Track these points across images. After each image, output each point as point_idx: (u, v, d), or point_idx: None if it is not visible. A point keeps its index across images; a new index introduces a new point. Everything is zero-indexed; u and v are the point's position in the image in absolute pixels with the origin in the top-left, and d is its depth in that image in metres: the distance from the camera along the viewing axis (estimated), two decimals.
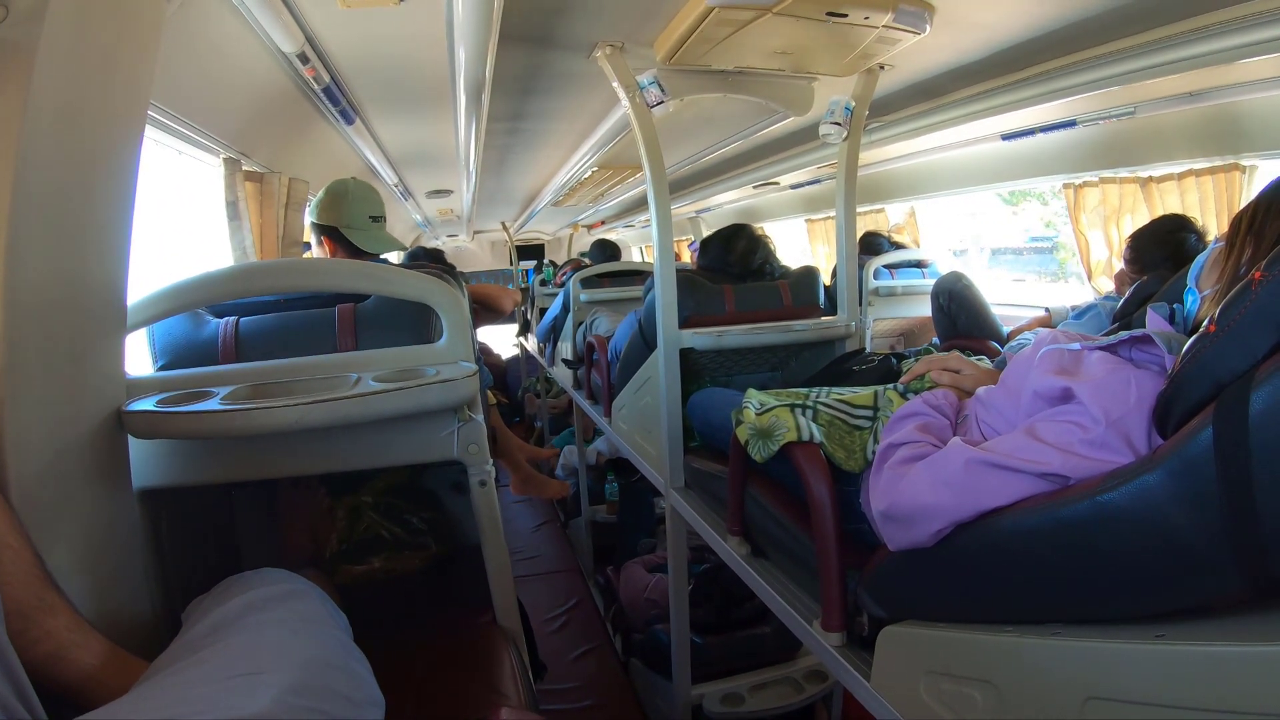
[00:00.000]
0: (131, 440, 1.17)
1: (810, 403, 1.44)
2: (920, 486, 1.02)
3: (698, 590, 3.01)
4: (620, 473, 4.77)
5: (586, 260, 5.37)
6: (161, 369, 1.43)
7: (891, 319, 3.95)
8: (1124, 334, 0.96)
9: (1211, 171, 2.68)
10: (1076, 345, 1.02)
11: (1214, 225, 2.63)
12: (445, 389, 1.23)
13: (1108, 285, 3.08)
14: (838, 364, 2.03)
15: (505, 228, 7.73)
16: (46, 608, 0.84)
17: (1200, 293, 1.14)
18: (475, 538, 1.43)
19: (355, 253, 2.20)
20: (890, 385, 1.42)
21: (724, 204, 6.45)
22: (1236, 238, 1.07)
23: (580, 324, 3.89)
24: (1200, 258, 1.17)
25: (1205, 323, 0.76)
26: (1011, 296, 3.95)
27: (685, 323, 2.24)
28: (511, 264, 7.78)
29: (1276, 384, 0.65)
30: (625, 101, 2.13)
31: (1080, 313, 2.55)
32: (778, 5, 1.70)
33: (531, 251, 9.36)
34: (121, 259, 1.14)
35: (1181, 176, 2.80)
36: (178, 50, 1.61)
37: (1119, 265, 2.71)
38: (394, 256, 2.43)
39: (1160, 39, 1.88)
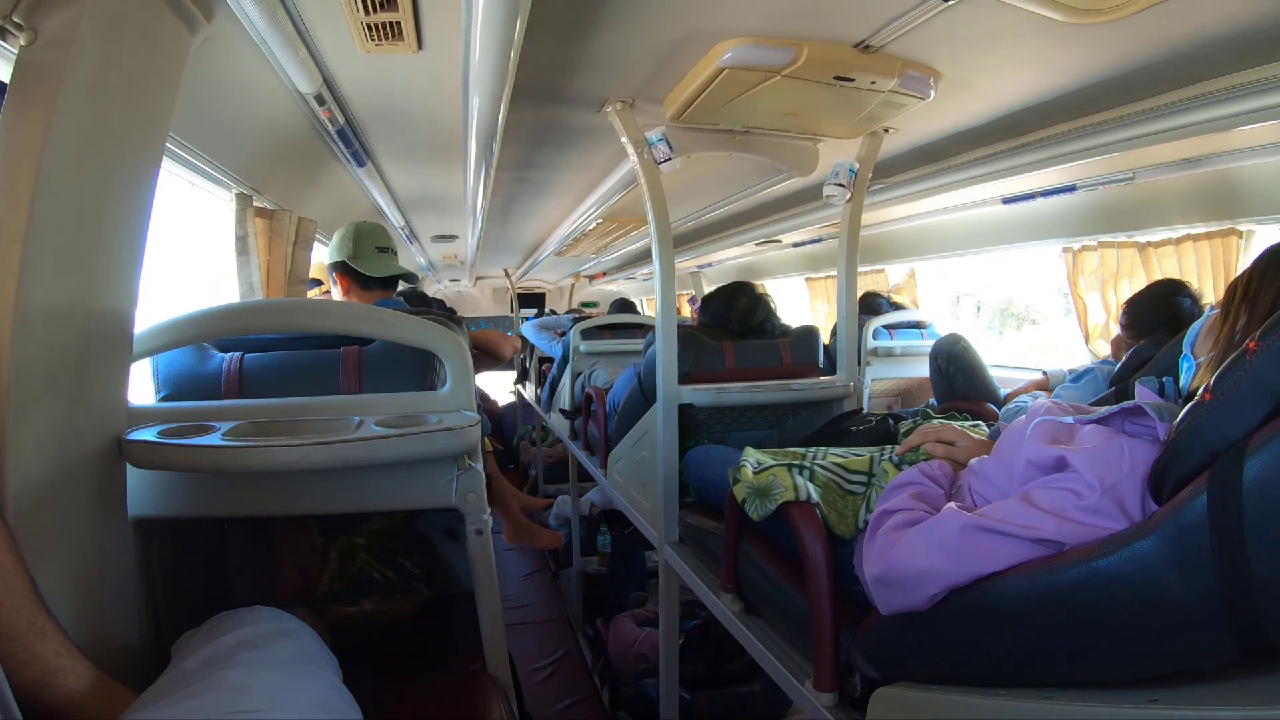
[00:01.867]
0: (129, 468, 1.18)
1: (808, 463, 1.45)
2: (916, 551, 1.02)
3: (688, 645, 2.99)
4: (613, 525, 4.76)
5: (586, 311, 5.39)
6: (163, 400, 1.44)
7: (889, 379, 3.96)
8: (1115, 406, 0.97)
9: (1209, 236, 2.72)
10: (1070, 418, 1.03)
11: (1211, 290, 2.66)
12: (448, 437, 1.23)
13: (1105, 349, 3.10)
14: (835, 424, 2.04)
15: (508, 274, 7.78)
16: (37, 631, 0.84)
17: (1196, 359, 1.16)
18: (467, 584, 1.42)
19: (365, 282, 2.23)
20: (886, 455, 1.43)
21: (725, 260, 6.51)
22: (1231, 305, 1.09)
23: (579, 375, 3.89)
24: (1196, 325, 1.19)
25: (1200, 390, 0.77)
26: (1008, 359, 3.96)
27: (685, 378, 2.25)
28: (512, 311, 7.81)
29: (1270, 452, 0.66)
30: (633, 157, 2.16)
31: (1077, 376, 2.55)
32: (787, 69, 1.73)
33: (533, 300, 9.38)
34: (132, 287, 1.16)
35: (1179, 241, 2.83)
36: (198, 84, 1.63)
37: (1116, 329, 2.73)
38: None
39: (1159, 106, 1.92)
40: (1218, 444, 0.73)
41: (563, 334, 4.36)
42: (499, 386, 8.55)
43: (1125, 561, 0.77)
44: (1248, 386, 0.72)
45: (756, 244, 5.08)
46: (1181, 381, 1.19)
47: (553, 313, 6.95)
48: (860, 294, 4.24)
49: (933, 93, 1.92)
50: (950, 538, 0.97)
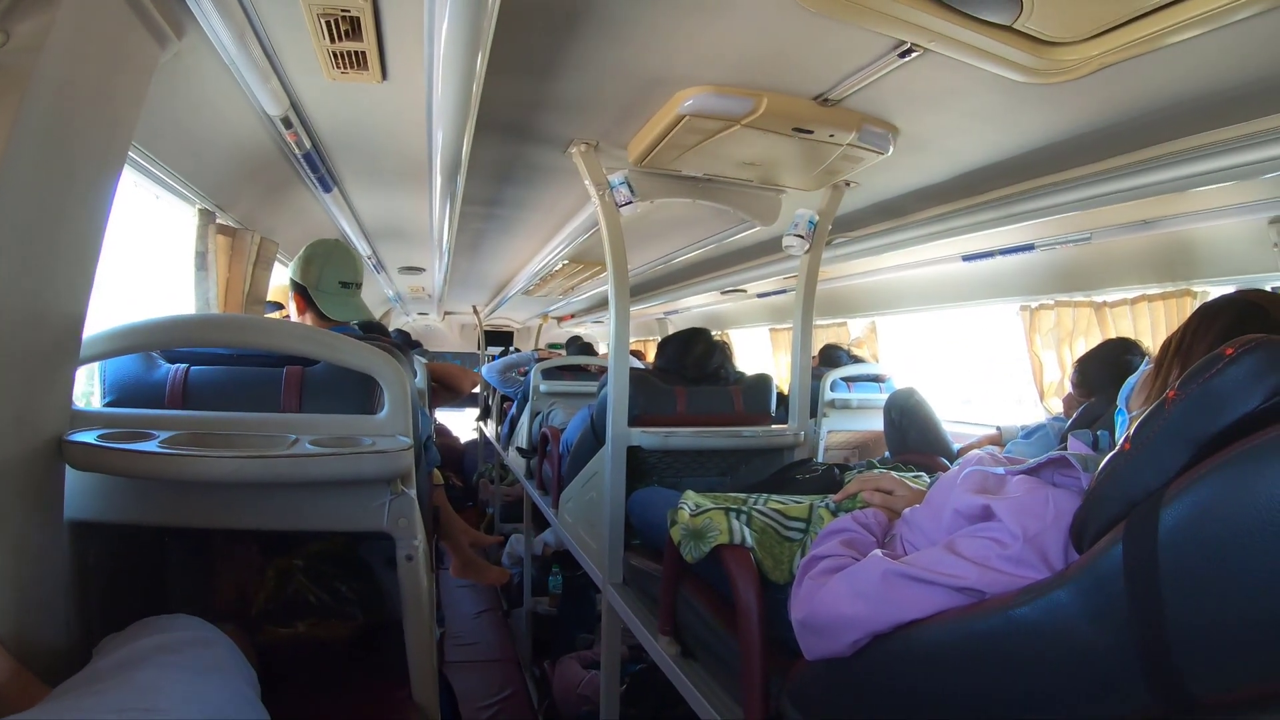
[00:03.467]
0: (69, 470, 1.17)
1: (746, 508, 1.45)
2: (838, 597, 1.02)
3: (632, 690, 2.95)
4: (565, 566, 4.73)
5: (549, 351, 5.41)
6: (108, 405, 1.43)
7: (846, 431, 3.96)
8: (1044, 457, 0.98)
9: (1164, 297, 2.77)
10: (1000, 469, 1.04)
11: None
12: (379, 460, 1.23)
13: (1059, 406, 3.13)
14: (783, 472, 2.04)
15: (476, 311, 7.76)
16: None
17: (1130, 414, 1.17)
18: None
19: (321, 316, 2.17)
20: (824, 502, 1.44)
21: (692, 307, 6.54)
22: (1165, 360, 1.11)
23: (537, 414, 3.89)
24: (1131, 379, 1.20)
25: (1121, 440, 0.78)
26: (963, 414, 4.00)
27: (635, 420, 2.25)
28: (479, 348, 7.79)
29: (1185, 502, 0.66)
30: (595, 199, 2.19)
31: (1029, 432, 2.58)
32: (747, 118, 1.77)
33: (500, 338, 9.37)
34: (84, 291, 1.16)
35: (1134, 301, 2.89)
36: (166, 98, 1.64)
37: (1070, 387, 2.76)
38: None
39: (1116, 168, 1.96)
40: (1136, 493, 0.73)
41: (525, 373, 4.36)
42: (464, 424, 8.49)
43: (1041, 611, 0.78)
44: (1165, 435, 0.72)
45: (722, 292, 5.12)
46: (1117, 435, 1.21)
47: (517, 350, 6.94)
48: (820, 346, 4.29)
49: (891, 148, 1.96)
50: (872, 584, 0.98)
